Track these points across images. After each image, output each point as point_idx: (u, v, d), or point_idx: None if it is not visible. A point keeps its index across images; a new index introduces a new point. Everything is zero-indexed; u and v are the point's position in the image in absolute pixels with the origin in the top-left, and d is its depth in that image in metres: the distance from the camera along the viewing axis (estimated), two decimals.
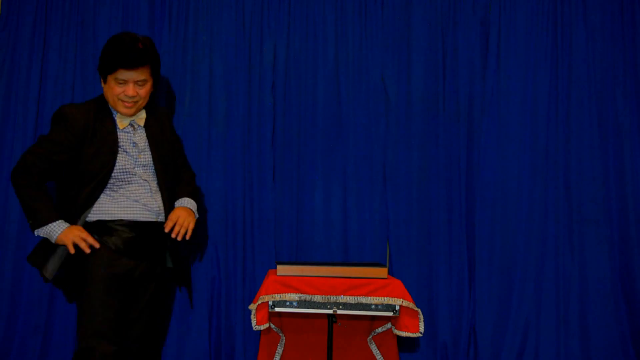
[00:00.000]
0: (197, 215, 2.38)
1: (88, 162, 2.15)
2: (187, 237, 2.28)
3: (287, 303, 2.22)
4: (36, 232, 2.13)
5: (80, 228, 2.13)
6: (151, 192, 2.26)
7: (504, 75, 3.02)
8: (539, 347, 2.91)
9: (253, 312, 2.23)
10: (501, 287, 2.95)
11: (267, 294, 2.21)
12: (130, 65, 2.13)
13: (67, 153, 2.15)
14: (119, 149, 2.19)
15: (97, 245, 2.11)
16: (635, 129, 2.98)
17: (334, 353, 2.42)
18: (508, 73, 3.02)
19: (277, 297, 2.21)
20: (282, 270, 2.28)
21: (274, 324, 2.50)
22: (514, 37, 3.04)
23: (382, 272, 2.29)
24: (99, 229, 2.17)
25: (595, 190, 2.95)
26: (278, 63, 3.05)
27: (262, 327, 2.20)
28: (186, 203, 2.36)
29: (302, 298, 2.21)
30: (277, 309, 2.22)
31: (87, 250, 2.10)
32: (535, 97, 3.02)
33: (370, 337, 2.57)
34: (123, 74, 2.14)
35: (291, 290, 2.22)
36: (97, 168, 2.15)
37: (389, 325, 2.48)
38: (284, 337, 2.54)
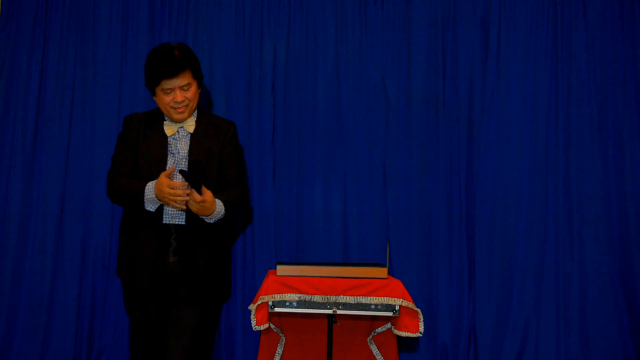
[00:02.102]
0: (213, 219, 2.25)
1: (142, 164, 2.30)
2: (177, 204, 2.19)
3: (287, 303, 2.21)
4: (147, 208, 2.22)
5: (166, 184, 2.12)
6: None
7: (504, 75, 3.02)
8: (539, 347, 2.91)
9: (253, 312, 2.22)
10: (501, 287, 2.95)
11: (267, 294, 2.21)
12: (172, 74, 2.23)
13: (132, 151, 2.32)
14: (168, 153, 2.31)
15: (186, 199, 2.13)
16: (636, 129, 2.98)
17: (333, 353, 2.42)
18: (508, 73, 3.02)
19: (277, 297, 2.21)
20: (282, 270, 2.28)
21: (273, 324, 2.49)
22: (514, 37, 3.04)
23: (382, 272, 2.29)
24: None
25: (595, 190, 2.95)
26: (278, 63, 3.05)
27: (262, 327, 2.20)
28: (219, 202, 2.27)
29: (302, 298, 2.21)
30: (277, 309, 2.21)
31: (184, 207, 2.18)
32: (535, 97, 3.02)
33: (370, 337, 2.56)
34: (167, 84, 2.25)
35: (291, 291, 2.22)
36: (149, 169, 2.28)
37: (388, 325, 2.47)
38: (284, 337, 2.54)
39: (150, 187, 2.18)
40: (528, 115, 3.01)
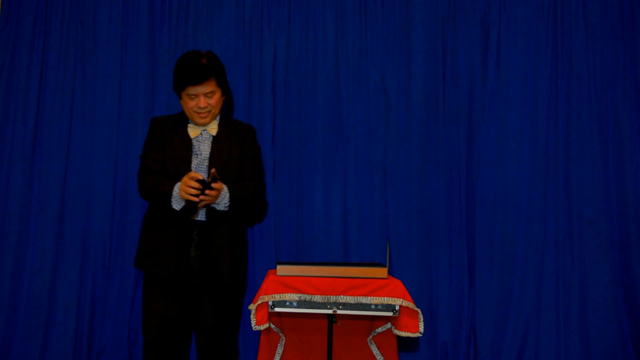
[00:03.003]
0: (223, 206, 2.36)
1: (168, 164, 2.40)
2: (204, 202, 2.30)
3: (287, 303, 2.21)
4: (173, 207, 2.31)
5: (184, 181, 2.25)
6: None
7: (504, 75, 3.02)
8: (539, 347, 2.91)
9: (253, 312, 2.22)
10: (501, 287, 2.95)
11: (267, 294, 2.21)
12: (196, 81, 2.34)
13: (160, 151, 2.43)
14: (193, 154, 2.42)
15: (195, 192, 2.22)
16: (635, 129, 2.98)
17: (334, 353, 2.41)
18: (508, 73, 3.02)
19: (277, 297, 2.20)
20: (282, 270, 2.28)
21: (274, 324, 2.49)
22: (514, 37, 3.04)
23: (382, 272, 2.29)
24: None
25: (595, 190, 2.95)
26: (278, 63, 3.05)
27: (262, 327, 2.19)
28: (225, 187, 2.37)
29: (302, 298, 2.21)
30: (277, 309, 2.21)
31: (197, 200, 2.24)
32: (535, 97, 3.02)
33: (370, 337, 2.56)
34: (192, 90, 2.36)
35: (291, 290, 2.21)
36: (175, 169, 2.38)
37: (389, 325, 2.47)
38: (284, 337, 2.53)
39: (177, 186, 2.30)
40: (528, 115, 3.01)
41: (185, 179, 2.25)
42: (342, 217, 3.00)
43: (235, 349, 2.71)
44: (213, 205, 2.35)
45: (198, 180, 2.23)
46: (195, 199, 2.24)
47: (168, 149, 2.42)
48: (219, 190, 2.29)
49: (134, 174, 3.01)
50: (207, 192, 2.23)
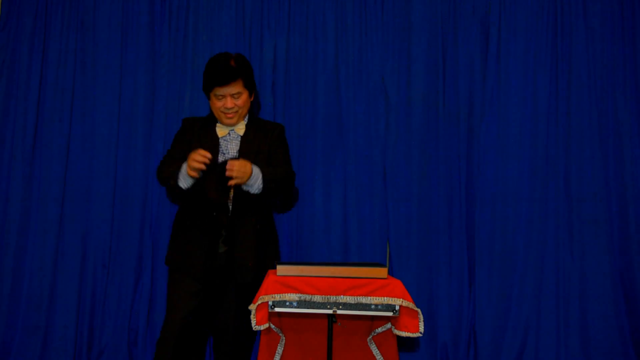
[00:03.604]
0: (257, 188, 2.37)
1: None
2: (228, 174, 2.30)
3: (287, 303, 2.21)
4: (179, 184, 2.36)
5: (191, 155, 2.29)
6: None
7: (504, 75, 3.02)
8: (539, 347, 2.91)
9: (253, 312, 2.22)
10: (501, 287, 2.95)
11: (267, 294, 2.21)
12: (223, 83, 2.41)
13: (183, 149, 2.46)
14: (220, 152, 2.49)
15: (203, 160, 2.27)
16: (635, 129, 2.98)
17: (334, 353, 2.41)
18: (508, 73, 3.02)
19: (277, 297, 2.20)
20: (282, 270, 2.27)
21: (274, 324, 2.49)
22: (514, 37, 3.04)
23: (382, 272, 2.29)
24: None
25: (595, 190, 2.95)
26: (278, 63, 3.05)
27: (262, 327, 2.19)
28: (257, 167, 2.38)
29: (302, 298, 2.21)
30: (277, 309, 2.21)
31: (203, 167, 2.28)
32: (535, 97, 3.02)
33: (370, 337, 2.56)
34: (219, 91, 2.43)
35: (291, 291, 2.21)
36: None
37: (389, 325, 2.47)
38: (284, 337, 2.53)
39: (185, 164, 2.33)
40: (528, 115, 3.01)
41: (192, 153, 2.28)
42: (342, 217, 3.00)
43: (251, 348, 2.72)
44: (247, 188, 2.37)
45: (209, 163, 2.26)
46: (202, 167, 2.26)
47: (195, 147, 2.44)
48: (242, 164, 2.29)
49: (134, 174, 3.01)
50: (228, 167, 2.25)
